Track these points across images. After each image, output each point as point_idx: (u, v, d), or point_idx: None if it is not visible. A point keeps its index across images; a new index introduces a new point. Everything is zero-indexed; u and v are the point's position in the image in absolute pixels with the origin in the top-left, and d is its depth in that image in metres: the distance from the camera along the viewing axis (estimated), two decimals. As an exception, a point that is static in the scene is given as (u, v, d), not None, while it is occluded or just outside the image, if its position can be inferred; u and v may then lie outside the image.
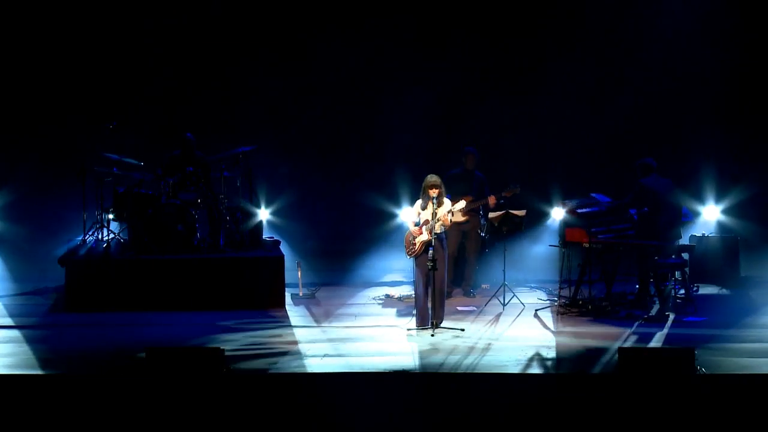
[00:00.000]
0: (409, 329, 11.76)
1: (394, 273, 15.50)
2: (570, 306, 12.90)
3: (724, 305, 13.42)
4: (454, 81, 15.82)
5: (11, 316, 12.81)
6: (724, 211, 15.47)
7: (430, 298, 11.64)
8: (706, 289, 14.32)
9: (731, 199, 15.41)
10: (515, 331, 11.85)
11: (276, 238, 14.97)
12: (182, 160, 14.08)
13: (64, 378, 9.63)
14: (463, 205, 12.14)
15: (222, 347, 9.56)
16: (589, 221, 12.84)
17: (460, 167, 14.22)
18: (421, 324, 11.72)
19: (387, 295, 14.23)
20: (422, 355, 10.62)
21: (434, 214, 11.60)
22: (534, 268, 15.36)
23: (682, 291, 12.98)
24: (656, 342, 11.13)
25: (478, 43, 15.71)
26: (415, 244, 11.73)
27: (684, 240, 13.65)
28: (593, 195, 13.38)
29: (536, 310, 12.98)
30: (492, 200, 13.71)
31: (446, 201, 11.74)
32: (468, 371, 9.85)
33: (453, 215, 11.78)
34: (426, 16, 15.70)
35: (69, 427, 9.08)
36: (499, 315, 12.80)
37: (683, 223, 13.37)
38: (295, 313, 13.11)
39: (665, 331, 11.68)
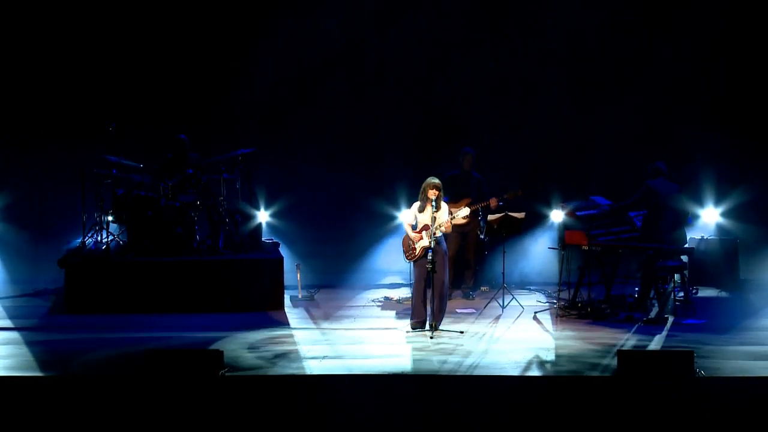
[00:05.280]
0: (408, 332, 11.76)
1: (394, 275, 15.51)
2: (569, 308, 12.89)
3: (724, 308, 13.42)
4: (452, 82, 15.83)
5: (11, 317, 12.81)
6: (724, 214, 15.47)
7: (429, 301, 11.64)
8: (705, 292, 14.34)
9: (730, 202, 15.41)
10: (514, 334, 11.85)
11: (275, 240, 14.98)
12: (176, 162, 14.09)
13: (64, 380, 9.62)
14: (467, 213, 12.12)
15: (221, 349, 9.57)
16: (588, 224, 12.85)
17: (458, 169, 14.23)
18: (420, 326, 11.72)
19: (386, 298, 14.24)
20: (421, 357, 10.61)
21: (434, 219, 11.59)
22: (533, 270, 15.39)
23: (682, 294, 12.98)
24: (655, 345, 11.12)
25: (475, 43, 15.72)
26: (415, 248, 11.73)
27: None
28: (592, 197, 13.39)
29: (535, 313, 12.99)
30: (494, 203, 13.71)
31: (444, 205, 11.74)
32: (467, 374, 9.84)
33: (453, 218, 11.79)
34: (429, 20, 15.73)
35: (68, 429, 9.08)
36: (498, 317, 12.80)
37: (687, 226, 13.38)
38: (294, 315, 13.12)
39: (664, 333, 11.68)
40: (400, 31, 15.70)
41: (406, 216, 12.01)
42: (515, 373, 9.91)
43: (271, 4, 15.68)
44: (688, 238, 13.50)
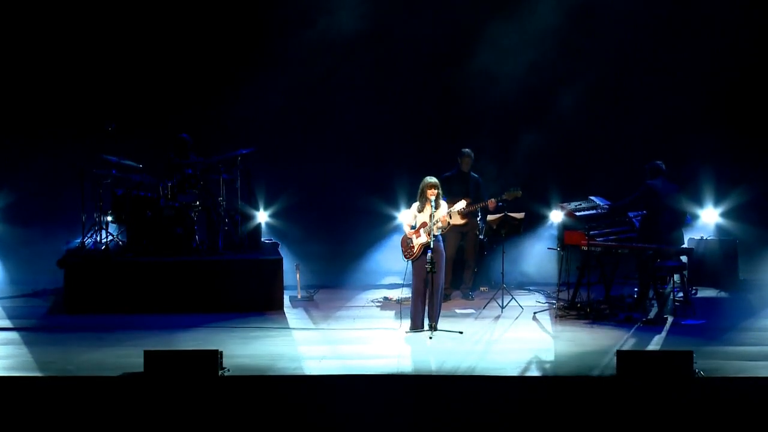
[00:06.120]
0: (407, 332, 11.76)
1: (393, 276, 15.48)
2: (568, 309, 12.89)
3: (723, 308, 13.42)
4: (452, 83, 15.83)
5: (10, 318, 12.81)
6: (723, 215, 15.47)
7: (428, 301, 11.64)
8: (704, 292, 14.33)
9: (730, 203, 15.41)
10: (513, 334, 11.85)
11: (274, 240, 14.98)
12: (178, 162, 14.09)
13: (63, 380, 9.62)
14: (463, 206, 12.14)
15: (220, 350, 9.57)
16: (587, 224, 12.85)
17: (455, 169, 14.22)
18: (419, 327, 11.72)
19: (385, 298, 14.24)
20: (420, 357, 10.61)
21: (431, 217, 11.60)
22: (532, 270, 15.38)
23: (681, 294, 12.98)
24: (654, 345, 11.13)
25: (472, 47, 15.73)
26: (413, 247, 11.73)
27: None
28: (592, 198, 13.39)
29: (535, 313, 12.99)
30: (492, 204, 13.71)
31: (443, 203, 11.74)
32: (466, 374, 9.84)
33: (451, 216, 11.79)
34: (428, 24, 15.74)
35: (68, 429, 9.07)
36: (497, 318, 12.80)
37: (685, 226, 13.37)
38: (293, 315, 13.12)
39: (663, 334, 11.68)
40: (401, 31, 15.69)
41: (406, 216, 12.01)
42: (514, 373, 9.91)
43: (273, 4, 15.68)
44: (687, 239, 13.49)
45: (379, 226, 15.65)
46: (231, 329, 12.00)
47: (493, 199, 13.72)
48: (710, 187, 15.45)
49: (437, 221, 11.59)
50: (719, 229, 15.43)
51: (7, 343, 11.38)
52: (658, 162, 12.95)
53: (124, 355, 10.47)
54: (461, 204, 12.09)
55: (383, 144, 15.80)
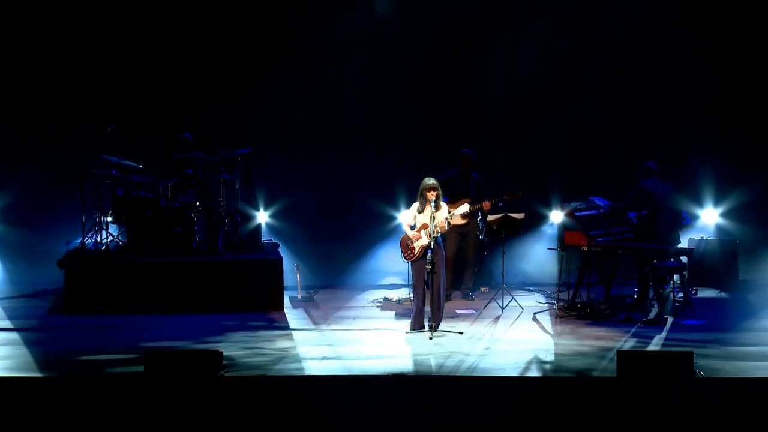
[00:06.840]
0: (407, 332, 11.76)
1: (393, 276, 15.50)
2: (568, 309, 12.90)
3: (723, 308, 13.43)
4: (453, 82, 15.84)
5: (10, 318, 12.81)
6: (723, 215, 15.47)
7: (428, 301, 11.64)
8: (704, 293, 14.34)
9: (730, 203, 15.41)
10: (514, 334, 11.85)
11: (274, 240, 14.98)
12: (182, 161, 14.10)
13: (63, 380, 9.62)
14: (466, 209, 12.12)
15: (220, 350, 9.57)
16: (587, 224, 12.85)
17: (457, 169, 14.22)
18: (420, 327, 11.72)
19: (385, 298, 14.24)
20: (420, 358, 10.61)
21: (432, 218, 11.59)
22: (533, 271, 15.38)
23: (681, 294, 12.98)
24: (655, 345, 11.13)
25: (475, 44, 15.73)
26: (414, 248, 11.72)
27: (683, 243, 13.64)
28: (592, 198, 13.39)
29: (535, 313, 12.99)
30: (486, 206, 13.68)
31: (443, 204, 11.74)
32: (466, 374, 9.84)
33: (453, 217, 11.79)
34: (430, 23, 15.74)
35: (68, 429, 9.07)
36: (497, 318, 12.80)
37: (683, 227, 13.37)
38: (293, 315, 13.12)
39: (664, 334, 11.68)
40: (401, 32, 15.69)
41: (406, 217, 12.00)
42: (514, 373, 9.91)
43: (274, 5, 15.68)
44: (687, 239, 13.48)
45: (379, 227, 15.65)
46: (231, 329, 11.99)
47: (487, 201, 13.68)
48: (710, 187, 15.45)
49: (437, 225, 11.58)
50: (719, 229, 15.43)
51: (7, 343, 11.37)
52: (650, 162, 12.95)
53: (124, 356, 10.47)
54: (464, 208, 12.07)
55: (383, 144, 15.79)
